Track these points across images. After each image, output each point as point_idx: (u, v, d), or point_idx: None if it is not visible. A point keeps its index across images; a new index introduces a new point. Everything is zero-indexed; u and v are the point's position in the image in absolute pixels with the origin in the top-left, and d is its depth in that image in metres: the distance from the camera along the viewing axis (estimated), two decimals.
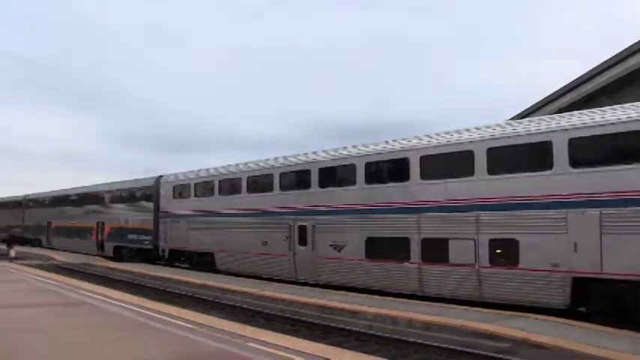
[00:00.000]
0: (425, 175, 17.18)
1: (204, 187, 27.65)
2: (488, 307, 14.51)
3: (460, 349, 11.02)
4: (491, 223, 15.27)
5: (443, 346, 11.30)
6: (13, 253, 31.07)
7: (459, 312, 13.76)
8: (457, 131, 16.92)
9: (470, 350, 10.85)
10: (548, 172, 14.24)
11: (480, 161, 15.69)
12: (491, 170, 15.48)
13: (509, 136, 15.26)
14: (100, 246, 38.16)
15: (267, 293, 17.56)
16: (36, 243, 49.43)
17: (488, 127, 16.12)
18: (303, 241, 21.10)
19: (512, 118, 20.77)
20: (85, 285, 18.23)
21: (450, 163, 16.70)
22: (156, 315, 11.60)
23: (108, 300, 14.03)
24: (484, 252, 15.26)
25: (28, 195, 54.72)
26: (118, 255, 35.20)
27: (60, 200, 46.62)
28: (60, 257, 35.19)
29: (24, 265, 28.09)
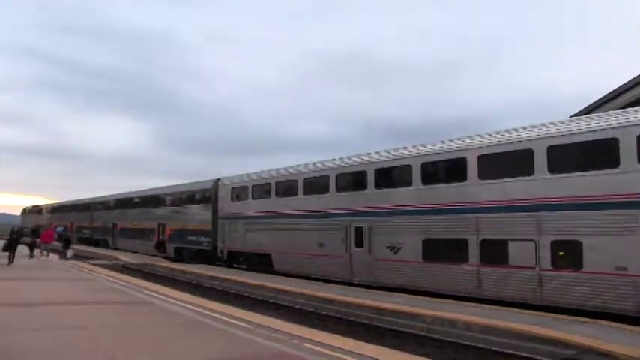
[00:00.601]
0: (483, 175, 16.83)
1: (262, 189, 27.98)
2: (547, 311, 14.10)
3: (521, 354, 10.72)
4: (552, 224, 14.80)
5: (503, 350, 11.03)
6: (70, 253, 32.09)
7: (518, 315, 13.38)
8: (516, 129, 16.50)
9: (532, 356, 10.54)
10: (614, 171, 13.69)
11: (541, 160, 15.24)
12: (552, 169, 15.01)
13: (570, 134, 14.76)
14: (157, 246, 39.18)
15: (323, 294, 17.58)
16: (102, 243, 51.36)
17: (548, 124, 15.63)
18: (359, 242, 21.04)
19: (576, 115, 20.01)
20: (148, 284, 18.73)
21: (508, 162, 16.30)
22: (215, 315, 11.79)
23: (169, 299, 14.35)
24: (545, 254, 14.81)
25: (96, 198, 56.95)
26: (179, 256, 36.02)
27: (124, 203, 48.27)
28: (124, 257, 36.33)
29: (92, 264, 29.14)
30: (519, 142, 15.92)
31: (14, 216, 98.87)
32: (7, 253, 25.10)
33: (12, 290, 15.76)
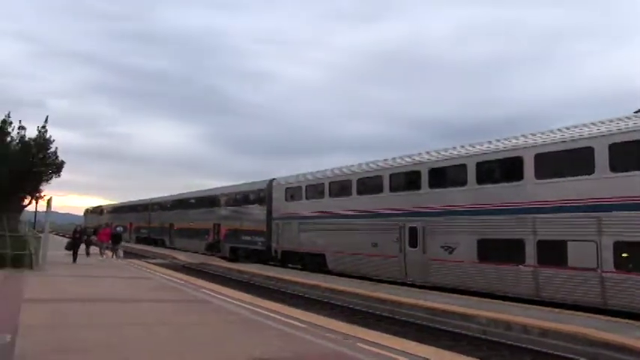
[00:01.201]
0: (540, 174, 16.44)
1: (315, 189, 28.14)
2: (610, 315, 13.62)
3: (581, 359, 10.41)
4: (615, 224, 14.31)
5: (561, 354, 10.75)
6: (121, 252, 32.37)
7: (578, 319, 12.98)
8: (575, 127, 16.03)
9: None
10: None
11: (601, 158, 14.76)
12: (614, 167, 14.51)
13: (634, 130, 14.23)
14: (209, 248, 39.94)
15: (377, 294, 17.54)
16: (160, 243, 52.66)
17: (609, 121, 15.11)
18: (413, 242, 20.90)
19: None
20: (205, 283, 19.13)
21: (567, 161, 15.87)
22: (270, 314, 11.94)
23: (225, 298, 14.62)
24: (608, 255, 14.32)
25: (153, 199, 58.46)
26: (234, 255, 36.60)
27: (180, 203, 49.34)
28: (181, 257, 37.18)
29: (150, 263, 29.97)
30: (578, 139, 15.47)
31: (78, 216, 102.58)
32: (71, 252, 25.54)
33: (73, 287, 16.43)
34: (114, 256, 30.53)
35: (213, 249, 39.48)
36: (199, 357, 7.44)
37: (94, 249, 31.45)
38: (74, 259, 24.68)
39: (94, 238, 32.75)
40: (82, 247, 27.90)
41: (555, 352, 10.92)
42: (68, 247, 26.01)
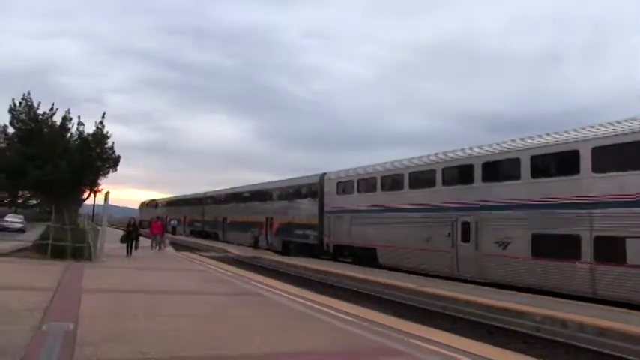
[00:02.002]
0: (597, 168, 16.00)
1: (367, 183, 28.16)
2: None
3: None
4: None
5: (619, 355, 10.48)
6: (167, 242, 32.79)
7: (636, 318, 12.57)
8: (633, 119, 15.50)
9: None
10: None
11: None
12: None
13: None
14: (254, 244, 40.53)
15: (429, 289, 17.47)
16: (213, 236, 53.57)
17: None
18: (465, 237, 20.70)
19: None
20: (257, 277, 19.41)
21: (625, 154, 15.38)
22: (321, 307, 12.04)
23: (277, 291, 14.81)
24: None
25: (207, 193, 59.50)
26: (286, 249, 36.98)
27: (233, 197, 50.08)
28: (233, 250, 37.76)
29: (203, 256, 30.62)
30: (637, 132, 14.96)
31: (134, 209, 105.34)
32: (125, 245, 25.80)
33: (130, 278, 17.03)
34: (159, 247, 31.08)
35: (257, 244, 39.99)
36: (251, 349, 7.60)
37: (143, 242, 31.72)
38: (128, 252, 25.13)
39: (145, 231, 33.29)
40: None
41: (612, 353, 10.67)
42: (123, 240, 26.47)
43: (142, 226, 35.64)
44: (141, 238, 29.57)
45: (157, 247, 30.73)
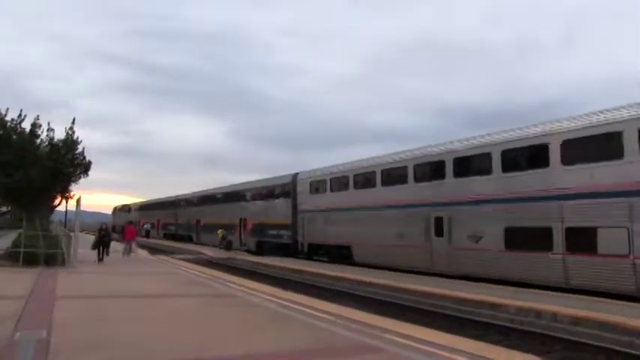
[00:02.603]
0: (566, 160, 16.16)
1: (340, 181, 28.13)
2: None
3: (618, 348, 10.19)
4: None
5: (594, 343, 10.56)
6: (134, 246, 30.52)
7: (611, 307, 12.68)
8: (601, 112, 15.69)
9: (629, 350, 9.99)
10: None
11: (632, 142, 14.43)
12: None
13: None
14: (224, 245, 39.99)
15: (404, 285, 17.46)
16: (187, 239, 53.08)
17: (637, 105, 14.76)
18: (439, 232, 20.76)
19: None
20: (232, 278, 19.26)
21: (594, 146, 15.55)
22: (297, 306, 11.97)
23: (252, 292, 14.68)
24: None
25: (180, 196, 59.00)
26: (260, 250, 36.77)
27: (206, 199, 49.74)
28: (208, 252, 37.42)
29: (177, 259, 30.29)
30: (607, 124, 15.14)
31: (106, 214, 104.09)
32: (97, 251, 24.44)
33: (104, 283, 16.68)
34: (128, 253, 28.99)
35: (227, 245, 39.62)
36: (228, 351, 7.49)
37: (115, 247, 29.76)
38: (100, 259, 24.02)
39: (118, 236, 32.33)
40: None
41: (588, 341, 10.75)
42: (94, 247, 24.83)
43: (116, 231, 34.87)
44: (112, 243, 28.71)
45: (128, 254, 28.99)
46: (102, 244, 24.65)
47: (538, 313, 12.45)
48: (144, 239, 57.60)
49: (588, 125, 15.69)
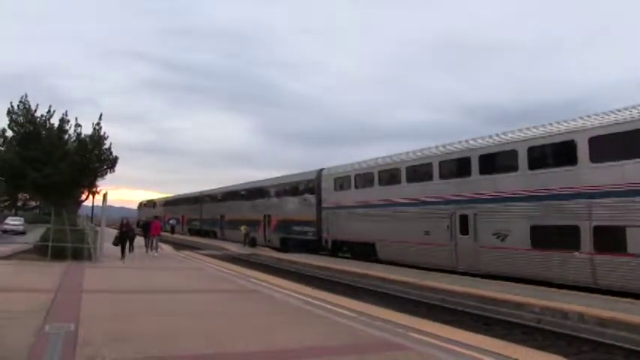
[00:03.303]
0: (594, 157, 15.89)
1: (364, 178, 28.04)
2: None
3: None
4: None
5: (621, 345, 10.37)
6: (155, 246, 27.81)
7: (638, 307, 12.47)
8: (629, 108, 15.37)
9: None
10: None
11: None
12: None
13: None
14: (247, 241, 40.06)
15: (428, 283, 17.39)
16: (212, 235, 53.42)
17: None
18: (464, 230, 20.61)
19: None
20: (256, 274, 19.36)
21: (624, 143, 15.24)
22: (319, 303, 12.00)
23: (275, 288, 14.76)
24: None
25: (204, 191, 59.36)
26: (284, 246, 36.90)
27: (231, 195, 49.91)
28: (232, 248, 37.68)
29: (202, 254, 30.53)
30: (636, 121, 14.84)
31: (132, 209, 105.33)
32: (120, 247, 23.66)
33: (130, 278, 16.93)
34: (153, 249, 27.48)
35: (251, 242, 39.71)
36: (251, 346, 7.54)
37: (139, 242, 28.51)
38: (122, 256, 23.30)
39: (139, 230, 30.80)
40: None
41: (615, 342, 10.58)
42: (115, 243, 24.08)
43: (140, 226, 34.78)
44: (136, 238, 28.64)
45: (154, 250, 27.36)
46: (123, 239, 23.99)
47: (565, 314, 12.29)
48: (168, 234, 58.19)
49: (615, 122, 15.40)
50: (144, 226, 29.85)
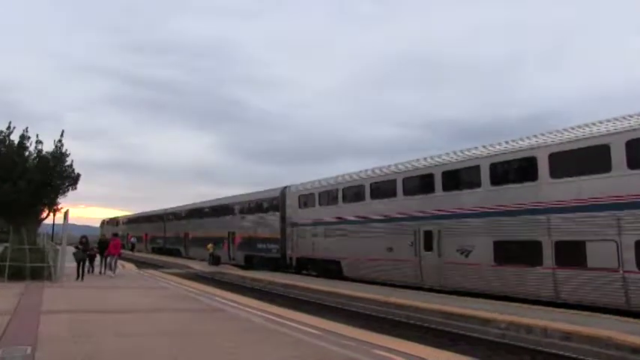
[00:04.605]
0: (555, 173, 16.17)
1: (329, 195, 27.99)
2: (635, 317, 13.28)
3: None
4: (637, 223, 13.96)
5: (586, 359, 10.45)
6: (112, 267, 25.56)
7: (602, 321, 12.62)
8: (588, 125, 15.74)
9: None
10: None
11: (618, 156, 14.46)
12: (633, 165, 14.18)
13: None
14: (213, 260, 39.17)
15: (393, 300, 17.32)
16: (175, 252, 52.61)
17: (627, 117, 14.79)
18: (428, 246, 20.67)
19: None
20: (220, 292, 19.09)
21: (583, 159, 15.55)
22: (284, 321, 11.86)
23: (240, 307, 14.56)
24: (629, 255, 13.96)
25: (168, 209, 58.56)
26: (249, 263, 36.50)
27: (195, 213, 49.33)
28: (196, 266, 37.14)
29: (166, 273, 29.97)
30: (594, 137, 15.17)
31: (95, 227, 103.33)
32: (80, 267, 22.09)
33: (91, 298, 16.42)
34: (110, 269, 25.20)
35: (216, 261, 39.07)
36: None
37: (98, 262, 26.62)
38: (78, 276, 21.69)
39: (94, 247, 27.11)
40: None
41: (579, 357, 10.64)
42: (77, 260, 22.43)
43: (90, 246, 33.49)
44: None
45: (111, 271, 25.00)
46: (82, 259, 22.37)
47: (529, 328, 12.34)
48: (130, 253, 57.07)
49: (574, 139, 15.72)
50: (100, 244, 27.00)
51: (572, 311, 14.31)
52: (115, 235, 35.43)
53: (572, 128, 16.20)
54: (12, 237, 23.19)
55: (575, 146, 15.72)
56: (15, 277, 19.94)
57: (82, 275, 21.89)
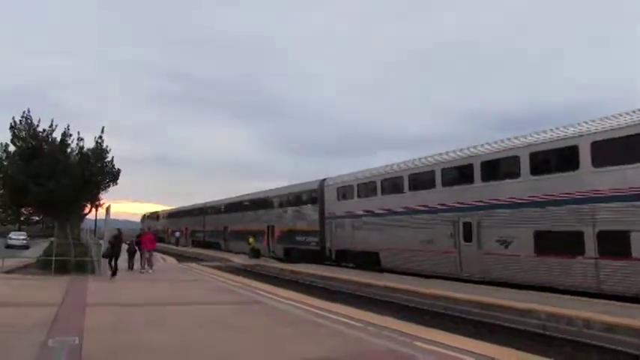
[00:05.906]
0: (597, 162, 15.88)
1: (367, 187, 28.02)
2: None
3: None
4: None
5: (628, 351, 10.31)
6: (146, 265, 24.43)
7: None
8: (630, 112, 15.39)
9: None
10: None
11: None
12: None
13: None
14: (253, 254, 39.01)
15: (432, 291, 17.31)
16: (215, 246, 53.30)
17: None
18: (468, 237, 20.56)
19: None
20: (260, 285, 19.36)
21: (624, 147, 15.22)
22: (323, 313, 12.00)
23: (280, 299, 14.76)
24: None
25: (207, 203, 59.34)
26: (288, 256, 36.83)
27: (234, 206, 49.86)
28: (235, 259, 37.57)
29: (206, 266, 30.51)
30: (633, 125, 14.84)
31: (136, 222, 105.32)
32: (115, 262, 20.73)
33: (133, 291, 16.92)
34: (146, 266, 24.20)
35: (254, 254, 39.39)
36: (255, 358, 7.53)
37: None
38: (112, 273, 20.36)
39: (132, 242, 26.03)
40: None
41: (621, 348, 10.52)
42: (105, 255, 21.28)
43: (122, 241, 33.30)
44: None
45: (149, 265, 24.17)
46: (115, 254, 20.85)
47: (570, 320, 12.21)
48: (172, 246, 58.12)
49: (617, 127, 15.40)
50: (133, 241, 26.08)
51: (614, 303, 14.08)
52: (148, 229, 34.87)
53: (614, 116, 15.88)
54: (57, 232, 23.93)
55: (617, 134, 15.40)
56: (60, 270, 20.64)
57: (114, 272, 20.44)
